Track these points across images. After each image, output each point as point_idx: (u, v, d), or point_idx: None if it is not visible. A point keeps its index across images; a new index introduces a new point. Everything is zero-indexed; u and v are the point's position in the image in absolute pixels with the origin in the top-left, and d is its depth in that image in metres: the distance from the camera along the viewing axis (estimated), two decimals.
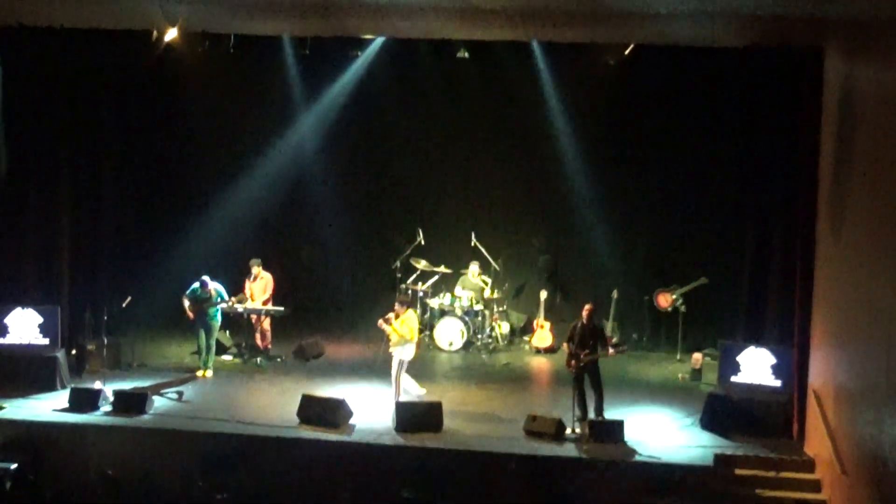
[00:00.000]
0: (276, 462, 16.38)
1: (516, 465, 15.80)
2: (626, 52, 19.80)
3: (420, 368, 20.91)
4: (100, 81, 20.83)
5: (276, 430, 16.95)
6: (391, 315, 18.01)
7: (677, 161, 22.37)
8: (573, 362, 17.41)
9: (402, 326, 17.89)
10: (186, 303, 20.08)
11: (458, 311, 22.62)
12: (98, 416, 17.41)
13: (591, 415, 17.41)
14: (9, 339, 19.23)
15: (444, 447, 16.46)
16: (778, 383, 17.64)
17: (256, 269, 21.24)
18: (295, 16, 16.40)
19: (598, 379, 17.62)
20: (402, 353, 18.07)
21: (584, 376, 17.51)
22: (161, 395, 18.60)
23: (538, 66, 22.20)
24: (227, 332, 21.65)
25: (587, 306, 17.65)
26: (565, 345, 17.81)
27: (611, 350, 17.74)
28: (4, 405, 17.64)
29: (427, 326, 22.92)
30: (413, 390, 18.51)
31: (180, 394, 18.85)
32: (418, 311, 22.90)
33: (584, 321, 17.50)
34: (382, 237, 24.26)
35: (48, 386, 18.71)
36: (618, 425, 16.86)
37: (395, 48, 21.44)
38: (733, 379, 17.97)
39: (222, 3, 16.00)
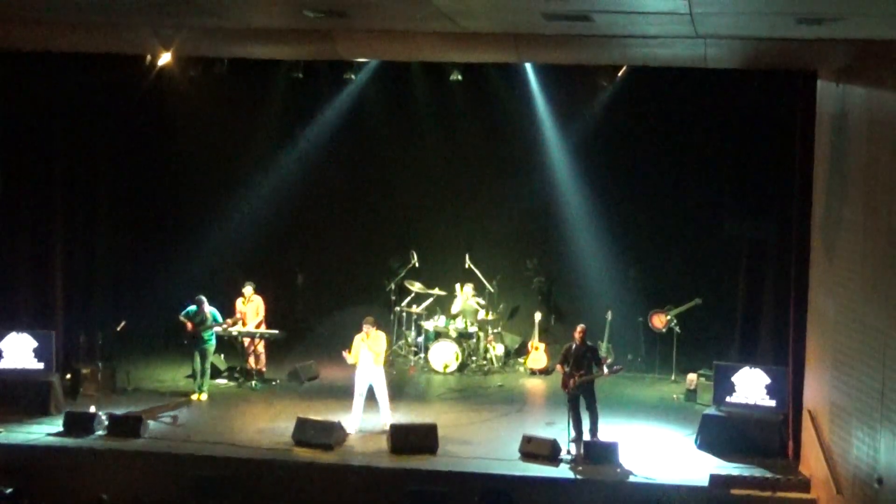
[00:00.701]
0: (271, 485, 16.36)
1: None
2: (619, 74, 19.91)
3: (415, 391, 21.01)
4: (93, 105, 20.97)
5: (271, 453, 16.95)
6: (361, 336, 18.03)
7: (671, 182, 22.38)
8: (570, 383, 17.45)
9: (377, 345, 17.98)
10: (183, 320, 20.05)
11: (453, 334, 22.61)
12: (92, 441, 17.38)
13: (586, 436, 17.45)
14: (3, 364, 19.18)
15: (440, 469, 16.46)
16: (773, 403, 17.62)
17: (248, 292, 21.23)
18: (288, 40, 16.43)
19: (594, 400, 17.65)
20: (379, 372, 18.12)
21: (580, 397, 17.54)
22: (156, 418, 18.54)
23: (531, 89, 22.33)
24: (222, 355, 21.61)
25: (579, 327, 17.73)
26: (559, 366, 17.83)
27: (606, 371, 17.88)
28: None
29: (422, 349, 22.91)
30: (356, 419, 18.24)
31: (175, 417, 18.80)
32: (412, 332, 22.98)
33: (578, 342, 17.57)
34: (376, 260, 24.21)
35: (43, 410, 18.65)
36: (612, 446, 16.84)
37: (389, 71, 21.50)
38: (728, 399, 17.95)
39: (215, 29, 16.04)
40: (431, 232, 24.10)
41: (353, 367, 18.11)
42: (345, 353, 18.07)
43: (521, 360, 23.37)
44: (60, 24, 16.20)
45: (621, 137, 22.58)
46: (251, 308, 21.20)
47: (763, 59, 15.58)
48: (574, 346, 17.60)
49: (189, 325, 19.99)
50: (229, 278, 22.52)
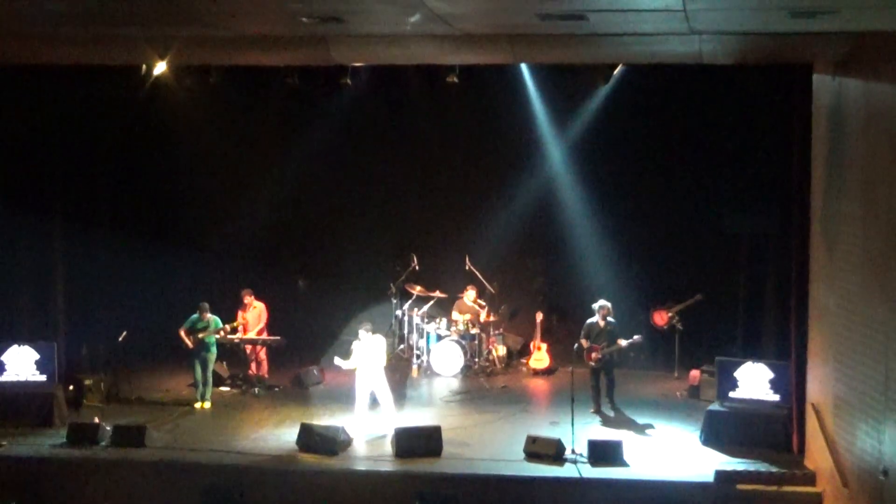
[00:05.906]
0: (277, 491, 16.35)
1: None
2: (615, 71, 19.88)
3: (418, 393, 21.01)
4: (90, 117, 21.02)
5: (275, 460, 16.95)
6: (358, 341, 18.13)
7: (669, 179, 22.40)
8: (593, 355, 18.82)
9: (376, 349, 18.07)
10: (183, 334, 20.01)
11: (455, 336, 22.61)
12: (97, 451, 17.35)
13: (604, 404, 18.97)
14: (5, 377, 19.15)
15: (445, 472, 16.45)
16: (776, 398, 17.62)
17: (248, 299, 21.24)
18: (282, 47, 16.42)
19: (612, 373, 19.32)
20: (380, 376, 18.19)
21: (601, 370, 19.05)
22: (160, 428, 18.53)
23: (528, 89, 22.31)
24: (224, 363, 21.59)
25: (600, 303, 19.24)
26: (582, 341, 19.03)
27: (623, 342, 18.95)
28: (3, 443, 17.60)
29: (424, 351, 22.89)
30: (359, 424, 18.20)
31: (179, 426, 18.80)
32: (415, 335, 22.95)
33: (599, 319, 19.02)
34: (376, 263, 24.19)
35: (46, 422, 18.63)
36: (617, 445, 16.83)
37: (384, 75, 21.49)
38: (732, 395, 17.95)
39: (210, 38, 16.03)
40: (431, 234, 24.10)
41: (356, 372, 18.12)
42: (337, 359, 18.23)
43: (523, 360, 23.38)
44: (55, 37, 16.17)
45: (619, 135, 22.56)
46: (253, 315, 21.22)
47: (758, 54, 15.58)
48: (595, 323, 19.00)
49: (188, 342, 19.93)
50: (230, 286, 22.50)
